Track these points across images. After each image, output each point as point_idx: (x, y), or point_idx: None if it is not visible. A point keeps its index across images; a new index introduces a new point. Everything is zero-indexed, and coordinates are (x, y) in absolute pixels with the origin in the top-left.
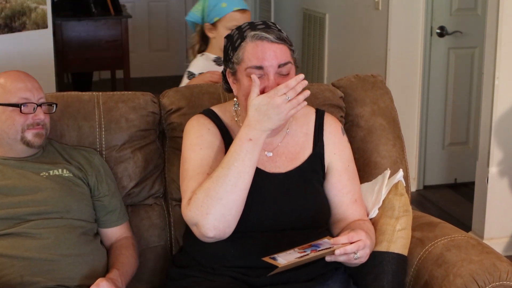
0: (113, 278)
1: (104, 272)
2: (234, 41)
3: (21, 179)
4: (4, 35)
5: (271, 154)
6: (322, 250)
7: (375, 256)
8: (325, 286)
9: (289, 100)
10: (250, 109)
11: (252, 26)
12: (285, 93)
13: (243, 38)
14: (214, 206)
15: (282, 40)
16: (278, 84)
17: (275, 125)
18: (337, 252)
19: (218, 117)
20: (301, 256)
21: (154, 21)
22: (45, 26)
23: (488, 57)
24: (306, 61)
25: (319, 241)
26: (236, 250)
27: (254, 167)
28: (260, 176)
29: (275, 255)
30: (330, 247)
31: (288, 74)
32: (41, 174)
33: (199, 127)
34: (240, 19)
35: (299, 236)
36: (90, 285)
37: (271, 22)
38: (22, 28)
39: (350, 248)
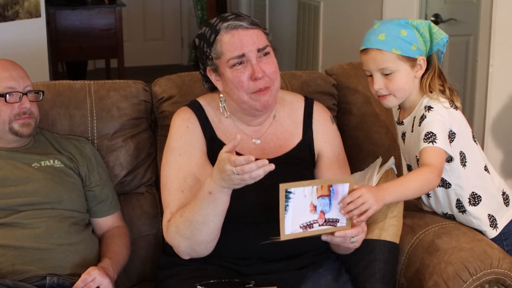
0: (105, 267)
1: (96, 261)
2: (207, 38)
3: (13, 170)
4: None
5: (259, 141)
6: (329, 221)
7: (367, 243)
8: (316, 273)
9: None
10: (217, 160)
11: (222, 18)
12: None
13: (217, 32)
14: (184, 242)
15: (255, 25)
16: (262, 69)
17: (230, 186)
18: (337, 233)
19: (203, 110)
20: (305, 231)
21: (149, 10)
22: (38, 15)
23: (482, 44)
24: (301, 50)
25: (340, 185)
26: (226, 240)
27: (219, 216)
28: None
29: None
30: (337, 219)
31: (267, 55)
32: (33, 165)
33: (180, 126)
34: (362, 60)
35: None
36: (81, 274)
37: (239, 12)
38: (15, 17)
39: (350, 232)
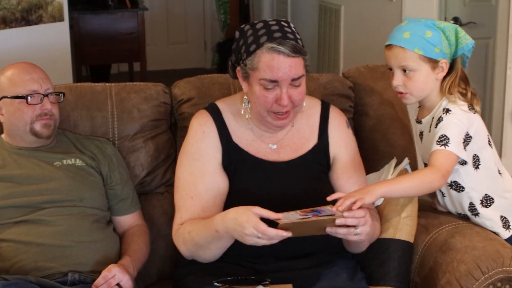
0: (125, 264)
1: (117, 258)
2: (248, 43)
3: (35, 168)
4: (21, 28)
5: (275, 146)
6: (323, 216)
7: (381, 242)
8: (332, 271)
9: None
10: (237, 208)
11: (268, 33)
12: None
13: (258, 45)
14: (188, 253)
15: (298, 52)
16: (289, 96)
17: (238, 239)
18: (337, 221)
19: (220, 114)
20: (303, 218)
21: (173, 14)
22: (62, 19)
23: (500, 47)
24: (322, 53)
25: (321, 208)
26: None
27: (222, 249)
28: (262, 165)
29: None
30: (331, 214)
31: (299, 85)
32: (55, 164)
33: (196, 130)
34: (386, 55)
35: None
36: (102, 271)
37: (286, 24)
38: (38, 21)
39: (351, 220)
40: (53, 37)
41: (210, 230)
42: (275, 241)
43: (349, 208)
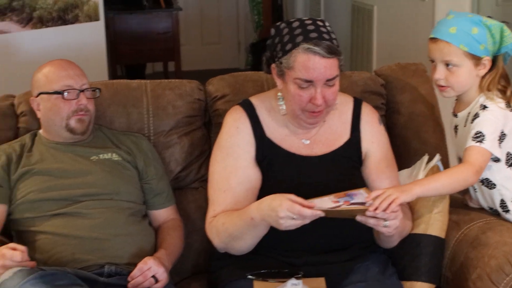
0: (160, 257)
1: (152, 251)
2: (284, 42)
3: (73, 163)
4: (57, 28)
5: (308, 142)
6: (355, 203)
7: (412, 238)
8: (363, 266)
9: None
10: (271, 195)
11: (304, 33)
12: (294, 218)
13: (294, 45)
14: (221, 245)
15: (333, 53)
16: (323, 95)
17: (272, 224)
18: (367, 213)
19: (254, 109)
20: (335, 207)
21: (207, 14)
22: (97, 19)
23: None
24: (355, 52)
25: (355, 191)
26: (277, 233)
27: (256, 238)
28: (295, 160)
29: (311, 199)
30: (363, 202)
31: (333, 85)
32: (91, 158)
33: (230, 126)
34: (429, 47)
35: (337, 218)
36: (138, 263)
37: (322, 24)
38: (74, 20)
39: (381, 214)
40: (88, 37)
41: (245, 219)
42: (307, 220)
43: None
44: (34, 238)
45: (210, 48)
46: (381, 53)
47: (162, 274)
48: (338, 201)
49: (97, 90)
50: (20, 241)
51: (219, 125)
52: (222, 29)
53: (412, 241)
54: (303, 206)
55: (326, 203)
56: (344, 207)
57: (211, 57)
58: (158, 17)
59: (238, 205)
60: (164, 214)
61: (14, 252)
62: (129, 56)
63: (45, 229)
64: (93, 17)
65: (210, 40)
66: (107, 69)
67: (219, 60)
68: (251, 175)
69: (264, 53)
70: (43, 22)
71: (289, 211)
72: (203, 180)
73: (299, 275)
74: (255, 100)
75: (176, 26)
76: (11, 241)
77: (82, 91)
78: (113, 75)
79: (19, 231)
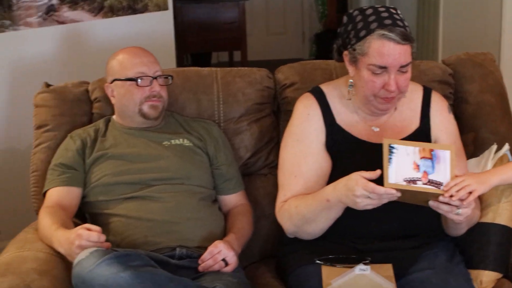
0: (230, 241)
1: (222, 235)
2: (357, 29)
3: (145, 148)
4: (127, 17)
5: (377, 129)
6: (433, 182)
7: (480, 226)
8: (431, 253)
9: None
10: (347, 178)
11: (379, 19)
12: (369, 197)
13: (369, 31)
14: (292, 228)
15: (407, 40)
16: (396, 82)
17: (349, 204)
18: (441, 198)
19: (324, 97)
20: (411, 180)
21: (272, 5)
22: (166, 8)
23: None
24: (421, 42)
25: (440, 151)
26: (346, 219)
27: (330, 220)
28: (365, 146)
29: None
30: (441, 183)
31: (406, 72)
32: (163, 143)
33: (301, 112)
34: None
35: (407, 204)
36: (208, 247)
37: (395, 11)
38: (144, 9)
39: (455, 201)
40: (157, 26)
41: (320, 201)
42: (384, 200)
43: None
44: (107, 221)
45: (275, 38)
46: (447, 43)
47: (232, 258)
48: (418, 166)
49: (169, 77)
50: (94, 223)
51: (288, 113)
52: (287, 19)
53: (480, 230)
54: (377, 176)
55: (406, 156)
56: (419, 188)
57: (275, 47)
58: (225, 7)
59: (308, 191)
60: (234, 199)
61: (90, 233)
62: (195, 45)
63: (119, 212)
64: (162, 7)
65: (275, 31)
66: (175, 58)
67: (284, 50)
68: (322, 161)
69: (335, 41)
70: (113, 11)
71: (364, 189)
72: (272, 167)
73: (367, 261)
74: (325, 88)
75: (242, 16)
76: (85, 223)
77: (155, 78)
78: (179, 64)
79: (93, 213)
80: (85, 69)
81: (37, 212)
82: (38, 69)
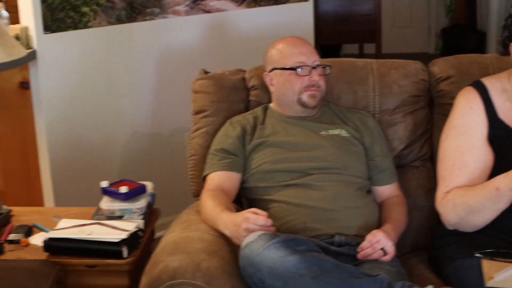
0: (387, 231)
1: (377, 225)
2: None
3: (303, 137)
4: (270, 7)
5: None
6: None
7: None
8: None
9: None
10: None
11: None
12: None
13: None
14: (455, 219)
15: None
16: None
17: None
18: None
19: (486, 91)
20: None
21: None
22: None
23: None
24: None
25: None
26: (504, 213)
27: (496, 211)
28: None
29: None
30: None
31: None
32: (321, 133)
33: (463, 106)
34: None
35: None
36: (365, 236)
37: None
38: (285, 0)
39: None
40: (298, 17)
41: (489, 190)
42: None
43: None
44: (266, 206)
45: (400, 31)
46: None
47: (390, 248)
48: None
49: (327, 67)
50: None
51: (442, 106)
52: (413, 12)
53: None
54: None
55: None
56: None
57: (401, 40)
58: None
59: (472, 183)
60: (388, 190)
61: (257, 217)
62: (330, 37)
63: (278, 198)
64: None
65: (400, 24)
66: None
67: (409, 44)
68: (486, 154)
69: (501, 34)
70: (257, 1)
71: None
72: (424, 159)
73: None
74: (487, 81)
75: (378, 8)
76: (242, 208)
77: (314, 67)
78: None
79: (252, 199)
80: (228, 58)
81: (194, 194)
82: (184, 57)
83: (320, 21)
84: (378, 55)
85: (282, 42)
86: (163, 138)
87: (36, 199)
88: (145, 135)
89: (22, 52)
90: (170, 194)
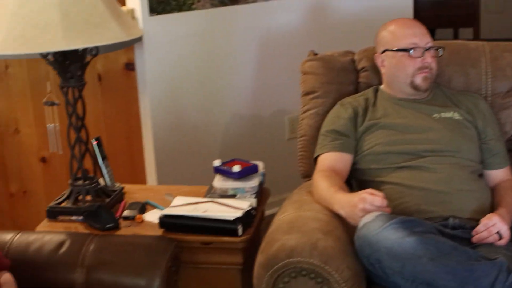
0: (502, 215)
1: (490, 209)
2: None
3: (415, 119)
4: None
5: None
6: None
7: None
8: None
9: None
10: None
11: None
12: None
13: None
14: None
15: None
16: None
17: None
18: None
19: None
20: None
21: None
22: None
23: None
24: None
25: None
26: None
27: None
28: None
29: None
30: None
31: None
32: (433, 116)
33: None
34: None
35: None
36: (479, 219)
37: None
38: None
39: None
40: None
41: None
42: None
43: None
44: (378, 188)
45: (491, 16)
46: None
47: (506, 232)
48: None
49: (440, 49)
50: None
51: None
52: None
53: None
54: None
55: None
56: None
57: (491, 26)
58: None
59: None
60: (500, 174)
61: (374, 197)
62: (427, 21)
63: (391, 180)
64: None
65: (491, 9)
66: None
67: (499, 30)
68: None
69: None
70: None
71: None
72: None
73: None
74: None
75: None
76: (351, 189)
77: (427, 49)
78: None
79: (363, 180)
80: (329, 41)
81: (303, 175)
82: (285, 39)
83: (419, 4)
84: (476, 40)
85: (393, 24)
86: (263, 120)
87: (139, 179)
88: (246, 117)
89: (139, 32)
90: (269, 176)
